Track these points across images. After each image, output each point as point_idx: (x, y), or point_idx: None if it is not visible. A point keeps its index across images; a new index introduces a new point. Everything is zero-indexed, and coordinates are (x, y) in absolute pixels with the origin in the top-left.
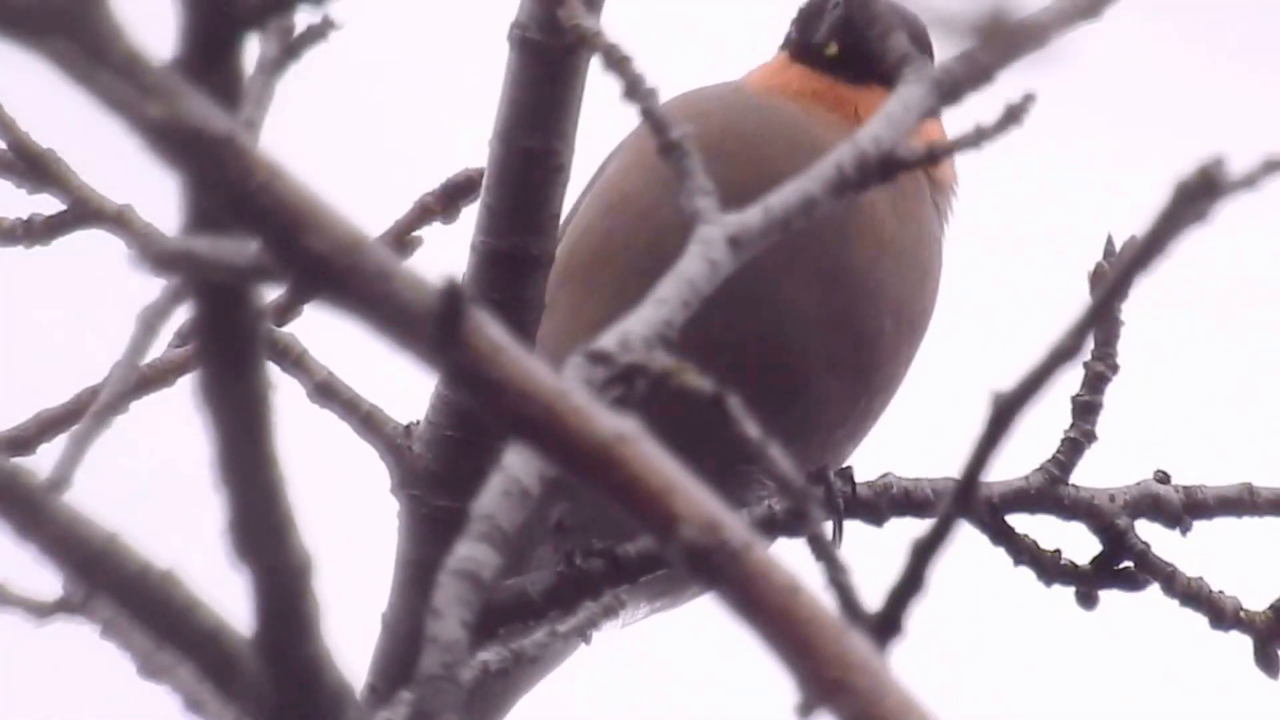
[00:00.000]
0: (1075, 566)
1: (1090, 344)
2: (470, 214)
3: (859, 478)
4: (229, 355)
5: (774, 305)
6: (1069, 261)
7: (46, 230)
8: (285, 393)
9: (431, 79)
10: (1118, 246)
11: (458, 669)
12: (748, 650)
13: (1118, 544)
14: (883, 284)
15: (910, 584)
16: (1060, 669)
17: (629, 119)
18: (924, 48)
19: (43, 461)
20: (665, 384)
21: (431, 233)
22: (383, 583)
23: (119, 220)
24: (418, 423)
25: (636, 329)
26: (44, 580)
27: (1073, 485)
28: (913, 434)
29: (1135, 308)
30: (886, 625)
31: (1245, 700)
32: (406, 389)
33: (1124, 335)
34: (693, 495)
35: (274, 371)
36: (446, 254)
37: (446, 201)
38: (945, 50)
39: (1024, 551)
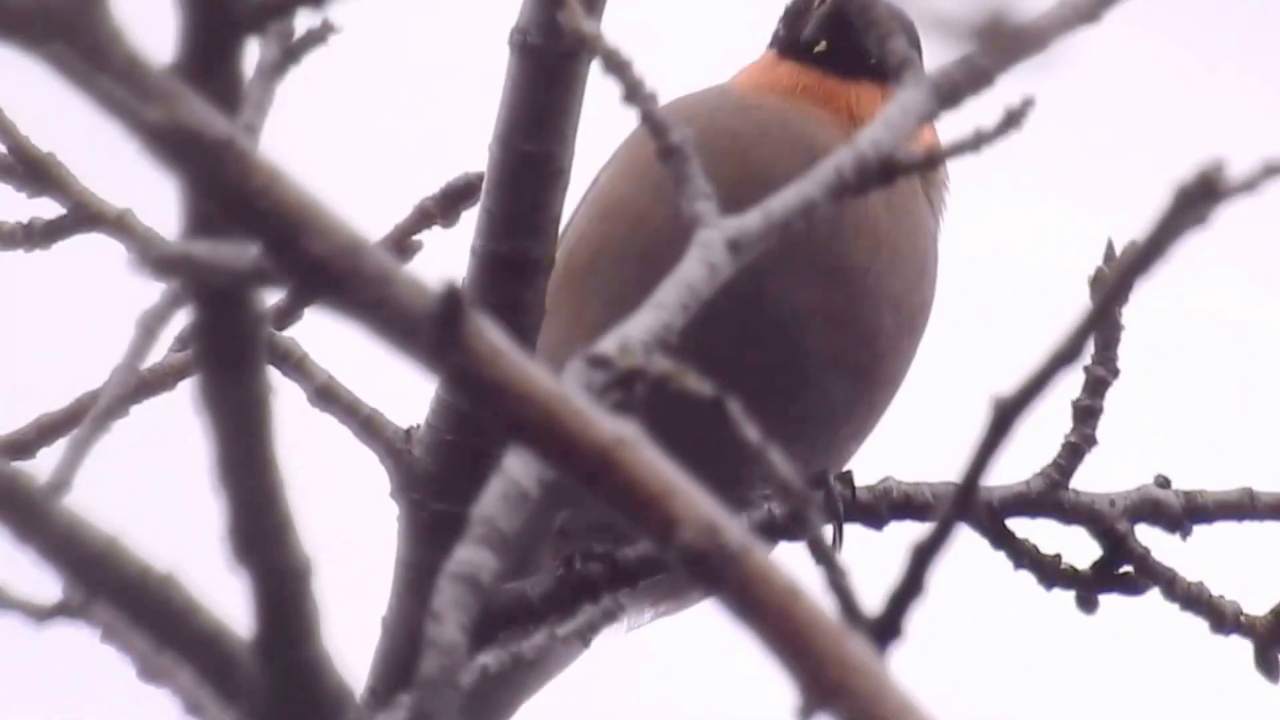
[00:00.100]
0: (1075, 571)
1: (1090, 348)
2: (470, 218)
3: (859, 481)
4: (229, 359)
5: (771, 304)
6: (1069, 266)
7: (47, 234)
8: (286, 397)
9: (431, 83)
10: (1118, 251)
11: (457, 672)
12: (748, 653)
13: (1118, 548)
14: (880, 279)
15: (910, 587)
16: (1060, 673)
17: (629, 123)
18: (914, 44)
19: (43, 465)
20: (665, 387)
21: (431, 237)
22: (382, 586)
23: (119, 224)
24: (418, 427)
25: (636, 333)
26: (44, 583)
27: (1073, 489)
28: (913, 438)
29: (1135, 312)
30: (886, 629)
31: (1246, 705)
32: (407, 393)
33: (1124, 339)
34: (692, 499)
35: (274, 375)
36: (446, 258)
37: (446, 205)
38: (944, 54)
39: (1024, 555)
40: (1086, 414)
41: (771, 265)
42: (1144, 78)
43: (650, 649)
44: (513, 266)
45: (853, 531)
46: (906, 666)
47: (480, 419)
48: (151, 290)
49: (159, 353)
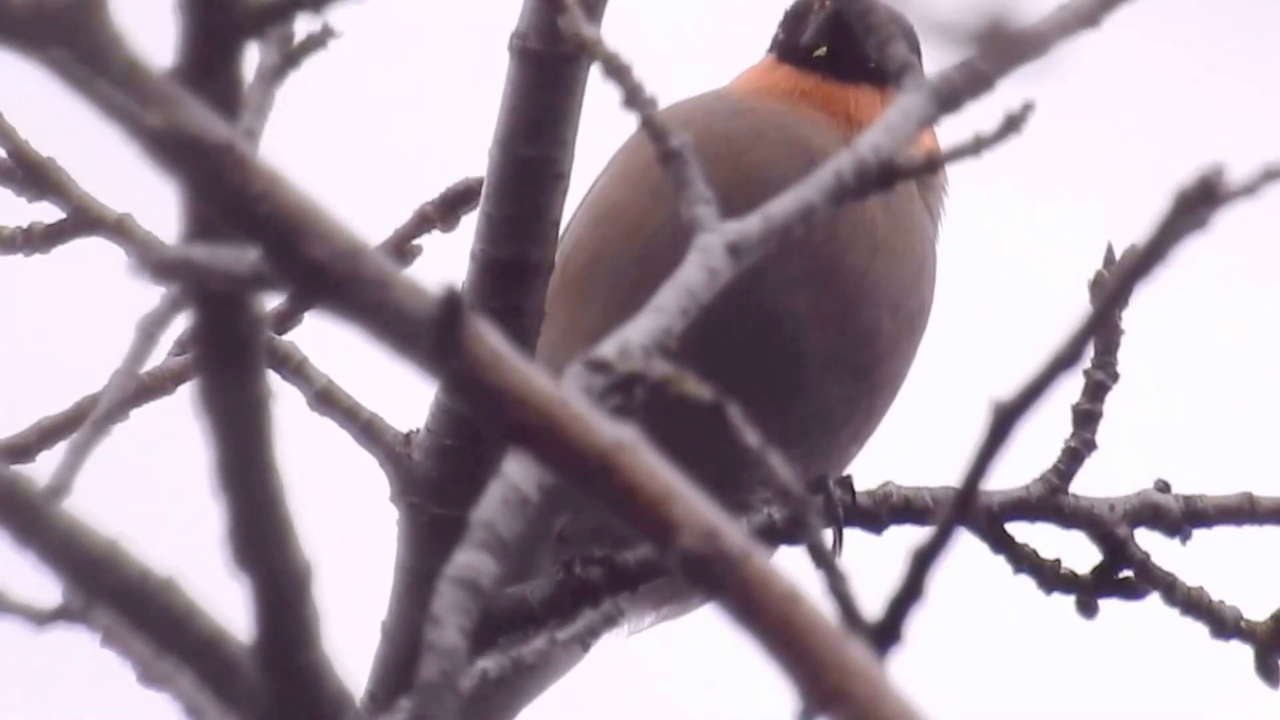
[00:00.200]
0: (1075, 575)
1: (1090, 352)
2: (470, 222)
3: (859, 485)
4: (229, 363)
5: (769, 307)
6: (1069, 270)
7: (46, 238)
8: (285, 401)
9: (431, 87)
10: (1118, 255)
11: (457, 677)
12: (747, 658)
13: (1118, 553)
14: (878, 281)
15: (910, 592)
16: (1060, 678)
17: (629, 127)
18: (914, 48)
19: (42, 469)
20: (664, 392)
21: (431, 241)
22: (382, 590)
23: (119, 228)
24: (417, 431)
25: (635, 337)
26: (44, 587)
27: (1073, 494)
28: (913, 442)
29: (1135, 316)
30: (886, 633)
31: (1246, 710)
32: (406, 397)
33: (1124, 344)
34: (692, 503)
35: (274, 379)
36: (446, 262)
37: (446, 210)
38: (944, 58)
39: (1024, 560)
40: (1086, 418)
41: (769, 268)
42: (1144, 82)
43: (650, 654)
44: (512, 271)
45: (853, 536)
46: (906, 671)
47: (480, 423)
48: (151, 294)
49: (159, 356)
